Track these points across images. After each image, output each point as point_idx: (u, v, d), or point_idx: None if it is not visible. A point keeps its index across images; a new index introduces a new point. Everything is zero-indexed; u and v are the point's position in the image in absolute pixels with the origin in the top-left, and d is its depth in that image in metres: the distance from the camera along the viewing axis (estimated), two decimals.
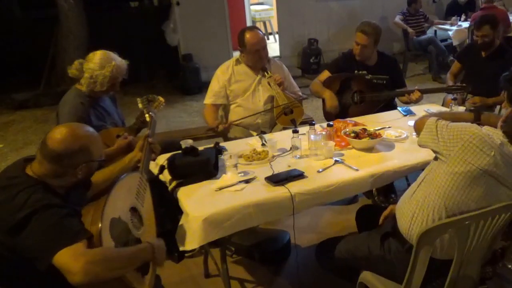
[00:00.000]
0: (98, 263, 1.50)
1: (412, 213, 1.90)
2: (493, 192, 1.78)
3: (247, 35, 3.24)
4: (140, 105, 2.65)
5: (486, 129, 1.83)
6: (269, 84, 3.28)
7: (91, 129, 1.80)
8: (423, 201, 1.88)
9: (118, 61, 2.76)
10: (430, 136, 1.90)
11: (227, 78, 3.34)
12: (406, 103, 3.41)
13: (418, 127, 2.06)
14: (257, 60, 3.28)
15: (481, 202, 1.78)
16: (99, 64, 2.68)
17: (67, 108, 2.70)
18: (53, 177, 1.67)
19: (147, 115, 2.58)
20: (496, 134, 1.80)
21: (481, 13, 6.21)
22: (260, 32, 3.33)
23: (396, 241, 1.97)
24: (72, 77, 2.77)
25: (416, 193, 1.94)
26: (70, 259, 1.48)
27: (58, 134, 1.68)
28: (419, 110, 3.24)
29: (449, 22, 7.29)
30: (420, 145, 2.01)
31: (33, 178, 1.64)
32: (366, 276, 2.10)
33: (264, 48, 3.27)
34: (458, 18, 7.31)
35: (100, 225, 1.61)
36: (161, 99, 2.75)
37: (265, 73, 3.29)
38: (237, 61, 3.39)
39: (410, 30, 6.95)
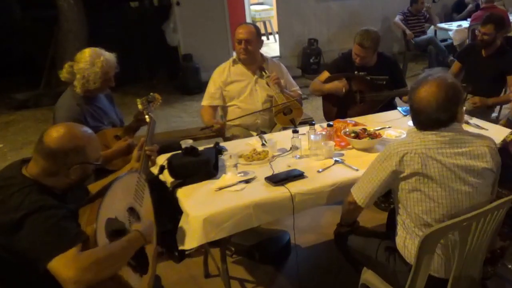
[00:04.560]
0: (88, 269, 1.47)
1: (404, 238, 1.92)
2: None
3: (238, 27, 3.30)
4: (139, 106, 2.63)
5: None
6: (268, 84, 3.28)
7: (89, 131, 1.78)
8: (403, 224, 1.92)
9: (107, 55, 2.74)
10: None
11: (223, 79, 3.34)
12: (407, 102, 3.41)
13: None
14: (241, 52, 3.27)
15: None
16: (89, 62, 2.66)
17: (63, 111, 2.69)
18: (47, 176, 1.65)
19: (146, 116, 2.56)
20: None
21: (481, 13, 6.20)
22: (252, 26, 3.35)
23: (401, 259, 1.96)
24: (65, 81, 2.75)
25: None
26: (61, 267, 1.47)
27: (55, 132, 1.67)
28: None
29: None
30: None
31: (28, 178, 1.63)
32: (368, 276, 2.10)
33: (248, 41, 3.24)
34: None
35: (95, 225, 1.60)
36: (158, 96, 2.73)
37: (263, 72, 3.28)
38: (234, 61, 3.39)
39: (408, 32, 6.91)
